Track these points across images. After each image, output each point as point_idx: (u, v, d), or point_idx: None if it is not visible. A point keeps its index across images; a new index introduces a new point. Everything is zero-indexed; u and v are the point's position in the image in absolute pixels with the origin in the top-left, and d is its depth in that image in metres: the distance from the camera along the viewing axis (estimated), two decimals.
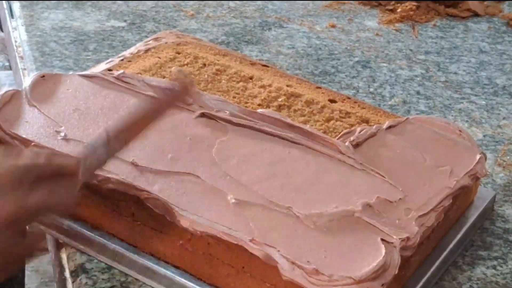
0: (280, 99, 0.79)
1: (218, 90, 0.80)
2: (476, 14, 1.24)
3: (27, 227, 0.58)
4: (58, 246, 0.71)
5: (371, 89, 1.00)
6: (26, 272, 1.27)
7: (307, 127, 0.73)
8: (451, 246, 0.71)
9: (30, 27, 1.07)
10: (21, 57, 1.01)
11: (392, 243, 0.61)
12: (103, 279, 0.67)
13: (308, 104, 0.79)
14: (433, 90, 1.01)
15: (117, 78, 0.77)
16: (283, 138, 0.72)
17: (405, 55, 1.10)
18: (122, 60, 0.84)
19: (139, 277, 0.66)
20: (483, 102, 0.99)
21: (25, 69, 0.99)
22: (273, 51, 1.07)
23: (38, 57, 0.99)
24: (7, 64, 1.84)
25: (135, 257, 0.66)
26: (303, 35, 1.13)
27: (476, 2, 1.24)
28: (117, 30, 1.09)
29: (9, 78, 1.70)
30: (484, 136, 0.91)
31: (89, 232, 0.68)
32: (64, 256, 0.70)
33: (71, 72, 0.93)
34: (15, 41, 1.05)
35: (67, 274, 0.69)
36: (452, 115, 0.95)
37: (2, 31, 1.34)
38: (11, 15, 1.11)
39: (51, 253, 0.75)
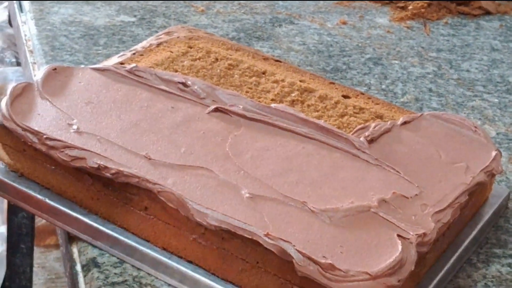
0: (293, 94, 0.79)
1: (231, 85, 0.79)
2: (488, 12, 1.23)
3: None
4: (69, 240, 0.71)
5: (383, 86, 0.99)
6: (33, 269, 1.27)
7: (321, 122, 0.72)
8: (466, 243, 0.70)
9: (40, 21, 1.06)
10: (31, 51, 1.00)
11: (408, 239, 0.61)
12: (115, 273, 0.66)
13: (322, 99, 0.78)
14: (446, 87, 1.00)
15: (129, 71, 0.77)
16: (297, 133, 0.71)
17: (416, 53, 1.09)
18: (134, 54, 0.83)
19: (152, 271, 0.66)
20: (496, 100, 0.98)
21: (35, 63, 0.98)
22: (284, 48, 1.07)
23: (48, 51, 0.99)
24: (13, 60, 1.84)
25: (147, 251, 0.66)
26: (314, 31, 1.13)
27: (487, 0, 1.24)
28: (127, 25, 1.08)
29: (16, 74, 1.70)
30: (497, 134, 0.91)
31: (101, 226, 0.68)
32: (75, 250, 0.70)
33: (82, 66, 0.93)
34: (25, 35, 1.04)
35: (78, 268, 0.68)
36: (464, 113, 0.94)
37: (11, 26, 1.34)
38: (21, 9, 1.10)
39: (62, 247, 0.74)
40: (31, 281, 1.00)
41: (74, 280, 0.68)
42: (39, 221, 1.26)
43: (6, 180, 0.72)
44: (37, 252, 1.36)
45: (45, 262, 1.34)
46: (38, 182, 0.71)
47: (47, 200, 0.70)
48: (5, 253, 1.01)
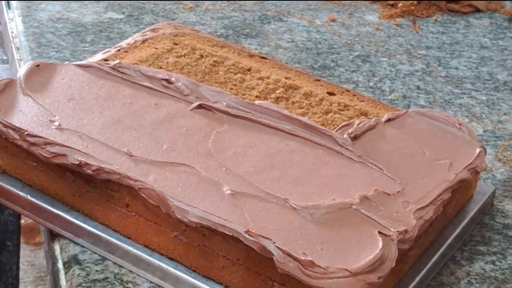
0: (278, 91, 0.78)
1: (215, 82, 0.79)
2: (478, 10, 1.23)
3: None
4: (52, 237, 0.70)
5: (371, 84, 0.99)
6: (22, 266, 1.26)
7: (305, 119, 0.72)
8: (449, 240, 0.70)
9: (27, 18, 1.06)
10: (17, 48, 1.00)
11: (389, 236, 0.60)
12: (96, 270, 0.66)
13: (307, 96, 0.78)
14: (434, 85, 1.00)
15: (113, 68, 0.76)
16: (280, 130, 0.71)
17: (405, 50, 1.09)
18: (118, 50, 0.82)
19: (133, 268, 0.65)
20: (484, 97, 0.98)
21: (21, 60, 0.98)
22: (272, 45, 1.06)
23: (35, 48, 0.98)
24: (5, 57, 1.84)
25: (129, 248, 0.65)
26: (303, 29, 1.12)
27: None
28: (115, 22, 1.08)
29: (7, 72, 1.69)
30: (484, 131, 0.90)
31: (82, 223, 0.67)
32: (57, 247, 0.69)
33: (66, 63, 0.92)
34: (12, 32, 1.04)
35: (60, 265, 0.68)
36: (452, 110, 0.94)
37: None
38: (8, 6, 1.10)
39: (45, 245, 0.74)
40: (17, 279, 1.00)
41: (56, 277, 0.68)
42: (28, 219, 1.25)
43: None
44: (26, 250, 1.35)
45: (34, 260, 1.33)
46: (21, 179, 0.71)
47: (29, 197, 0.69)
48: None
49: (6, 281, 0.99)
